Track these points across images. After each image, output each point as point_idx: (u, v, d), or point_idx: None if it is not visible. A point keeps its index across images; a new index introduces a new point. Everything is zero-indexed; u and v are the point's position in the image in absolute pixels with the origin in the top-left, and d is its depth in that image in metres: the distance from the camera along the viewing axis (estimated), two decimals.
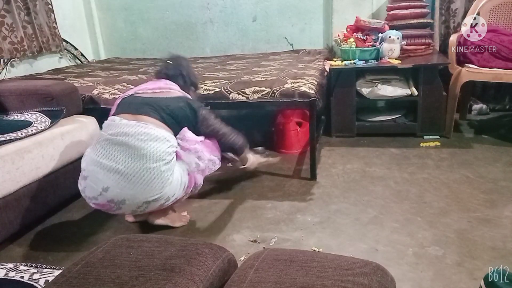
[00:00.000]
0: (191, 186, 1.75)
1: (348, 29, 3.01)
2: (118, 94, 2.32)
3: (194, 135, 1.75)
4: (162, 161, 1.60)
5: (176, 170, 1.66)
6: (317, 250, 1.65)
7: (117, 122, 1.67)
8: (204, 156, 1.74)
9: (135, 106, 1.72)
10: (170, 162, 1.63)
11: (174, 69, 1.93)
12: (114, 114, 1.74)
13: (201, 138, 1.78)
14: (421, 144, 2.70)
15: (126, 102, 1.78)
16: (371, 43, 2.88)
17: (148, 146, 1.59)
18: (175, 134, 1.72)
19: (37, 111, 2.12)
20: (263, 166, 2.23)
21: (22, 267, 1.58)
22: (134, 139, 1.59)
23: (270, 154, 2.41)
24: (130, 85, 2.42)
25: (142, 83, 2.27)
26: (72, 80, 2.61)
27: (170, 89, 1.83)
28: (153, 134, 1.61)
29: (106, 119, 1.76)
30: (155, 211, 1.82)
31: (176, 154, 1.69)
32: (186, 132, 1.74)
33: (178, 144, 1.71)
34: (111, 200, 1.60)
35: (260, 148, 2.42)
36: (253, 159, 2.07)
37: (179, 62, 1.97)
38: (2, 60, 2.85)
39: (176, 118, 1.72)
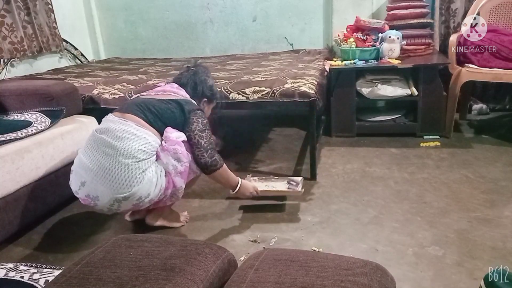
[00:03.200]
0: (169, 188, 1.67)
1: (348, 29, 3.01)
2: (118, 94, 2.32)
3: (177, 135, 1.67)
4: (132, 159, 1.57)
5: (150, 171, 1.60)
6: (317, 250, 1.65)
7: (106, 118, 1.72)
8: (184, 158, 1.66)
9: (126, 106, 1.76)
10: (143, 161, 1.59)
11: (187, 78, 1.90)
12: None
13: (184, 138, 1.70)
14: (421, 144, 2.70)
15: (126, 102, 1.82)
16: (371, 43, 2.88)
17: (122, 143, 1.59)
18: (161, 134, 1.69)
19: (37, 111, 2.12)
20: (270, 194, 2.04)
21: (22, 267, 1.58)
22: (111, 134, 1.62)
23: (303, 185, 2.08)
24: (130, 85, 2.43)
25: (143, 83, 2.27)
26: (72, 80, 2.61)
27: (173, 93, 1.82)
28: (130, 131, 1.61)
29: None
30: (152, 212, 1.83)
31: (156, 154, 1.66)
32: (168, 132, 1.68)
33: (160, 144, 1.68)
34: (87, 195, 1.62)
35: (299, 178, 2.11)
36: (246, 186, 1.87)
37: (196, 71, 1.93)
38: (2, 60, 2.85)
39: (161, 119, 1.69)
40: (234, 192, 1.84)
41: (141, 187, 1.59)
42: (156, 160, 1.66)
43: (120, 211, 1.72)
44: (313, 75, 2.37)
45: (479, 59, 2.62)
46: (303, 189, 2.04)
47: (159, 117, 1.69)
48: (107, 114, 1.77)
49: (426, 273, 1.48)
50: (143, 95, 1.83)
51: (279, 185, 2.10)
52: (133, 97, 1.88)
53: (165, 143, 1.67)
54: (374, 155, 2.58)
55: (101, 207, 1.67)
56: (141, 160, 1.59)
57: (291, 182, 2.10)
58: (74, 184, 1.66)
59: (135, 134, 1.61)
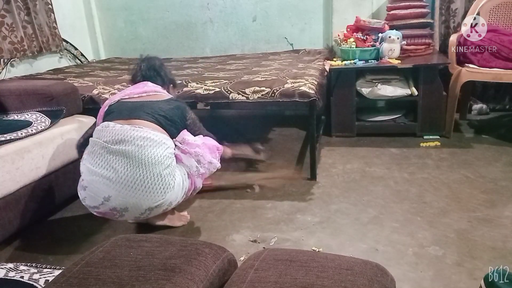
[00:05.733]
0: (191, 189, 1.74)
1: (348, 29, 3.01)
2: None
3: (193, 138, 1.75)
4: (162, 166, 1.59)
5: (177, 175, 1.65)
6: (317, 250, 1.65)
7: (110, 128, 1.64)
8: (204, 160, 1.73)
9: (126, 111, 1.71)
10: (170, 166, 1.62)
11: (150, 70, 1.92)
12: (106, 121, 1.72)
13: (201, 140, 1.77)
14: (421, 144, 2.70)
15: (116, 109, 1.75)
16: (371, 43, 2.87)
17: (146, 151, 1.57)
18: (171, 136, 1.71)
19: (37, 111, 2.12)
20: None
21: (22, 267, 1.57)
22: (131, 145, 1.58)
23: (264, 151, 2.42)
24: (130, 85, 2.42)
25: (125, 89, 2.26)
26: (72, 80, 2.61)
27: (157, 92, 1.83)
28: (149, 137, 1.60)
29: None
30: None
31: (176, 157, 1.68)
32: (185, 135, 1.73)
33: (177, 147, 1.71)
34: (113, 208, 1.60)
35: (260, 147, 2.41)
36: (226, 151, 2.07)
37: (153, 62, 1.95)
38: (2, 60, 2.85)
39: (171, 120, 1.71)
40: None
41: (173, 192, 1.62)
42: (177, 163, 1.68)
43: (148, 218, 1.74)
44: (313, 75, 2.37)
45: (479, 59, 2.62)
46: (266, 158, 2.40)
47: (168, 119, 1.70)
48: (98, 123, 1.74)
49: (426, 273, 1.48)
50: (124, 98, 1.79)
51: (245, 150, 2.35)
52: (108, 102, 1.80)
53: (184, 145, 1.70)
54: (374, 155, 2.57)
55: (127, 218, 1.69)
56: (168, 166, 1.61)
57: (256, 148, 2.38)
58: (92, 200, 1.61)
59: (154, 140, 1.60)
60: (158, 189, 1.58)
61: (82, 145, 1.84)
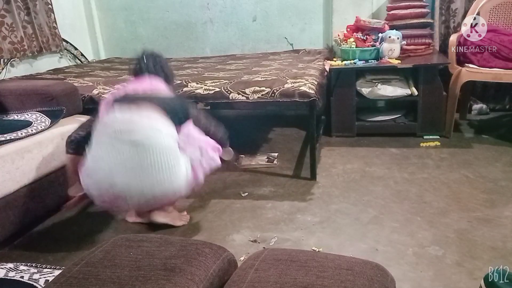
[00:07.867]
0: (194, 182, 1.74)
1: (348, 29, 3.01)
2: None
3: (198, 132, 1.77)
4: (169, 153, 1.60)
5: (182, 164, 1.66)
6: (317, 250, 1.65)
7: (119, 117, 1.67)
8: (207, 154, 1.74)
9: (134, 102, 1.73)
10: (176, 154, 1.64)
11: (156, 66, 1.92)
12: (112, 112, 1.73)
13: (204, 138, 1.78)
14: (421, 144, 2.70)
15: (123, 100, 1.76)
16: (371, 43, 2.88)
17: (154, 140, 1.59)
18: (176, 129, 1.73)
19: (37, 111, 2.12)
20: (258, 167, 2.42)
21: (22, 267, 1.57)
22: (139, 133, 1.60)
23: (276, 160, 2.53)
24: (131, 78, 2.41)
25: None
26: (72, 80, 2.61)
27: (160, 89, 1.85)
28: (157, 126, 1.62)
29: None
30: (155, 209, 1.83)
31: (182, 148, 1.70)
32: (190, 129, 1.75)
33: (182, 139, 1.72)
34: (117, 194, 1.60)
35: (275, 154, 2.57)
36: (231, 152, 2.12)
37: (158, 59, 1.96)
38: (2, 60, 2.85)
39: (176, 115, 1.73)
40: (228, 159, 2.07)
41: (178, 180, 1.63)
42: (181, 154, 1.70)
43: (149, 207, 1.76)
44: (313, 75, 2.37)
45: (479, 59, 2.62)
46: (278, 163, 2.52)
47: (174, 113, 1.72)
48: (103, 116, 1.74)
49: (426, 273, 1.48)
50: (129, 95, 1.80)
51: (259, 159, 2.57)
52: (113, 97, 1.81)
53: (189, 137, 1.72)
54: (374, 155, 2.57)
55: (131, 205, 1.70)
56: (174, 154, 1.63)
57: (270, 157, 2.57)
58: (96, 187, 1.61)
59: (162, 130, 1.63)
60: (164, 175, 1.59)
61: (76, 140, 1.83)
